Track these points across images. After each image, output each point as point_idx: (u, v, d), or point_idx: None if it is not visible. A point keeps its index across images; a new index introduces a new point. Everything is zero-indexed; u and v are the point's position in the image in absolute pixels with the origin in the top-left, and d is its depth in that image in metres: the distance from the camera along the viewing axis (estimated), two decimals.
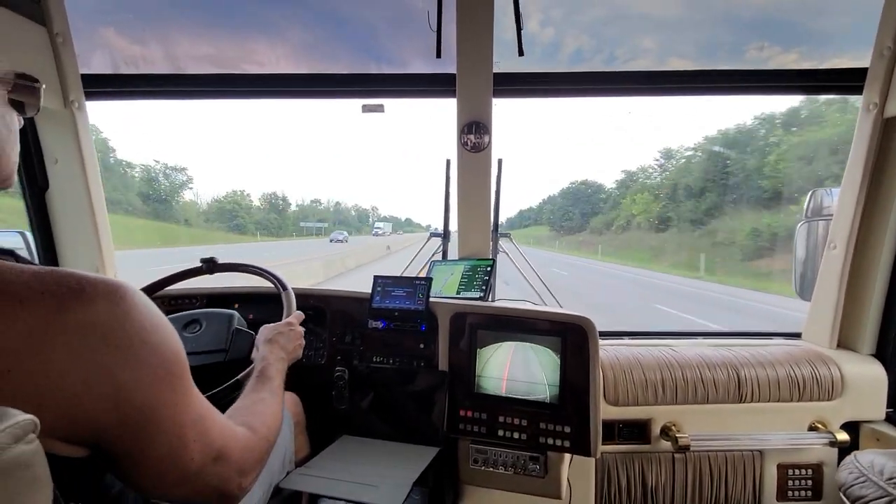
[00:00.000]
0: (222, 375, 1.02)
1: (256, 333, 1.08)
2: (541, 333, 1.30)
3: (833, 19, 2.02)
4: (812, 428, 1.53)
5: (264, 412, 0.76)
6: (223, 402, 0.81)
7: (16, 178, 0.67)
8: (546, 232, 57.12)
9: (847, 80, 1.63)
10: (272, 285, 1.29)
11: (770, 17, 2.09)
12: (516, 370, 1.31)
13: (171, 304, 1.54)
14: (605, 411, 1.51)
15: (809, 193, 1.85)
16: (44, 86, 0.68)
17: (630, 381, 1.51)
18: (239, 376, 0.99)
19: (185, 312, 1.29)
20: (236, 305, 1.58)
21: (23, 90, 0.64)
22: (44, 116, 1.50)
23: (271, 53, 1.68)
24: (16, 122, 0.65)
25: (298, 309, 1.20)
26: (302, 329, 1.09)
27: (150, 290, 1.33)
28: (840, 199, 1.57)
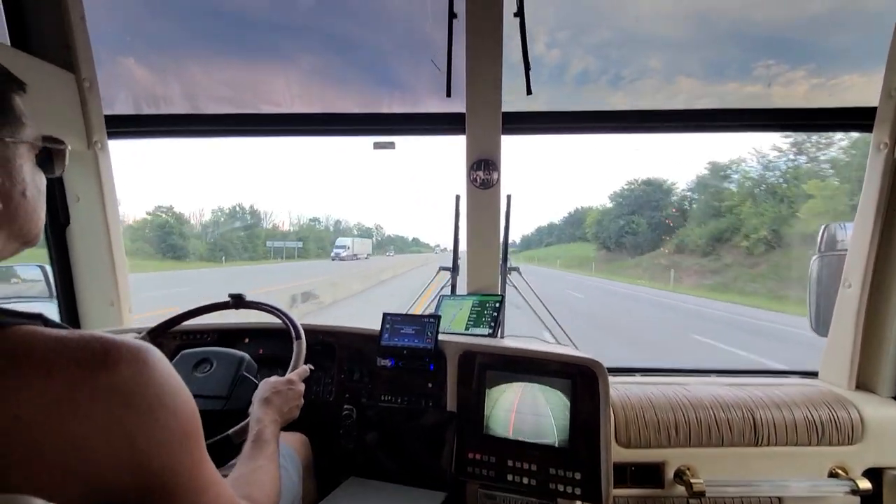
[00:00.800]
0: (218, 424, 1.02)
1: (265, 370, 1.09)
2: (550, 375, 1.29)
3: (840, 38, 2.04)
4: (832, 474, 1.48)
5: (263, 481, 0.77)
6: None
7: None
8: (591, 252, 43.90)
9: (856, 119, 1.64)
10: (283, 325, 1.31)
11: (777, 36, 2.11)
12: (525, 412, 1.30)
13: (183, 338, 1.56)
14: (617, 453, 1.48)
15: (822, 227, 1.84)
16: (69, 147, 0.71)
17: (642, 421, 1.48)
18: (230, 431, 0.99)
19: (198, 349, 1.30)
20: (247, 340, 1.60)
21: (50, 152, 0.67)
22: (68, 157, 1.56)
23: (287, 93, 1.74)
24: (44, 181, 0.67)
25: (308, 344, 1.21)
26: (302, 387, 1.09)
27: (174, 321, 1.36)
28: (853, 238, 1.56)
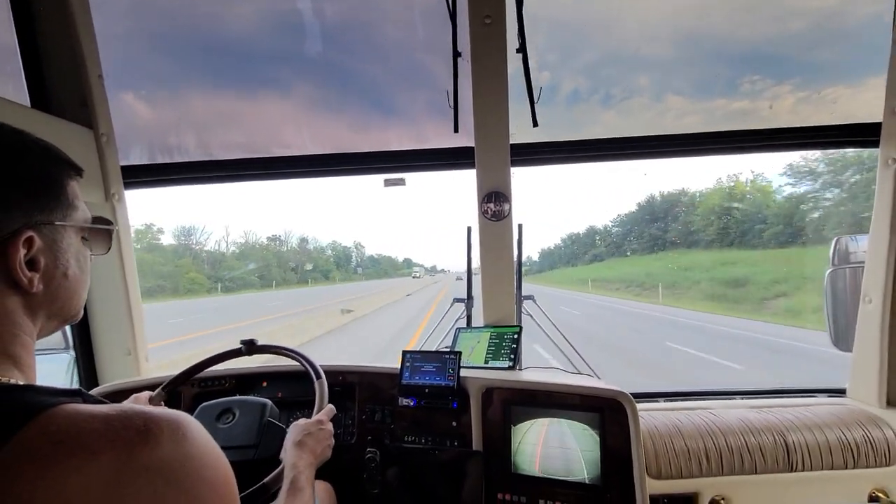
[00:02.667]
0: (251, 474, 1.00)
1: (285, 413, 1.07)
2: (577, 409, 1.27)
3: (823, 52, 2.09)
4: (872, 498, 1.44)
5: None
6: None
7: None
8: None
9: (862, 135, 1.66)
10: (302, 367, 1.30)
11: (762, 53, 2.17)
12: (552, 448, 1.27)
13: (201, 386, 1.55)
14: (648, 485, 1.44)
15: (833, 241, 1.84)
16: (116, 227, 0.73)
17: (671, 451, 1.45)
18: (266, 480, 0.97)
19: (219, 400, 1.29)
20: (264, 384, 1.59)
21: (97, 233, 0.68)
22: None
23: (298, 136, 1.78)
24: (88, 260, 0.68)
25: (327, 385, 1.20)
26: (331, 427, 1.09)
27: (190, 373, 1.34)
28: (869, 253, 1.56)
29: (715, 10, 1.99)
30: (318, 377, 1.23)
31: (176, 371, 1.36)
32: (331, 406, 1.15)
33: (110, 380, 1.66)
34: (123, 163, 1.64)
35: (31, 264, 0.56)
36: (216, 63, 1.90)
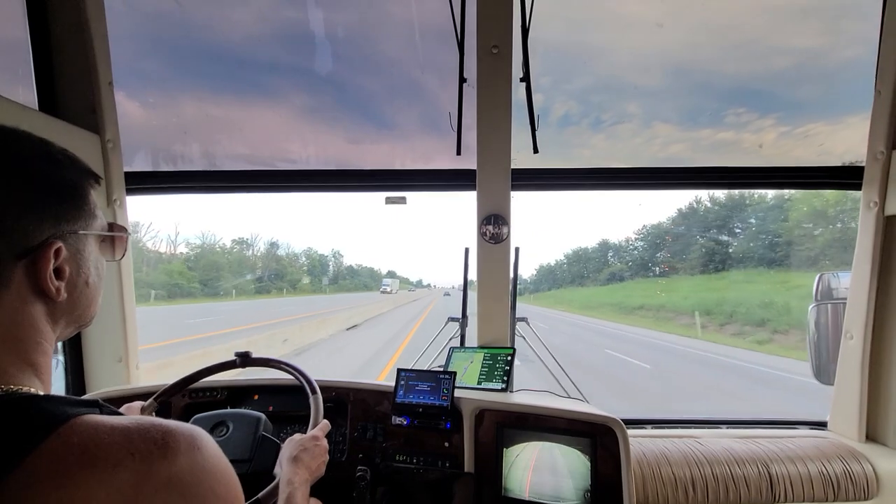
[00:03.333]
0: (245, 488, 0.99)
1: (276, 427, 1.07)
2: (569, 433, 1.29)
3: (804, 90, 2.20)
4: None
5: None
6: None
7: None
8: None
9: (845, 178, 1.73)
10: (295, 380, 1.29)
11: (747, 87, 2.28)
12: (542, 472, 1.29)
13: (191, 397, 1.53)
14: None
15: (817, 278, 1.90)
16: (130, 234, 0.74)
17: (659, 478, 1.47)
18: (260, 495, 0.97)
19: (213, 413, 1.28)
20: (256, 397, 1.58)
21: (112, 238, 0.69)
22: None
23: (303, 151, 1.81)
24: (104, 267, 0.69)
25: None
26: (326, 443, 1.09)
27: (183, 384, 1.33)
28: (851, 291, 1.62)
29: (705, 45, 2.08)
30: (314, 392, 1.22)
31: (166, 381, 1.34)
32: (326, 422, 1.15)
33: (99, 387, 1.63)
34: (126, 168, 1.64)
35: (57, 273, 0.57)
36: (222, 73, 1.92)
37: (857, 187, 1.62)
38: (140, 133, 1.80)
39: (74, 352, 1.65)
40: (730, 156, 1.91)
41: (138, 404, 1.27)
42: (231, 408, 1.49)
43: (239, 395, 1.57)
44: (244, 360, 1.34)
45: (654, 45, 2.06)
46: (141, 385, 1.62)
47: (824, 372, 1.79)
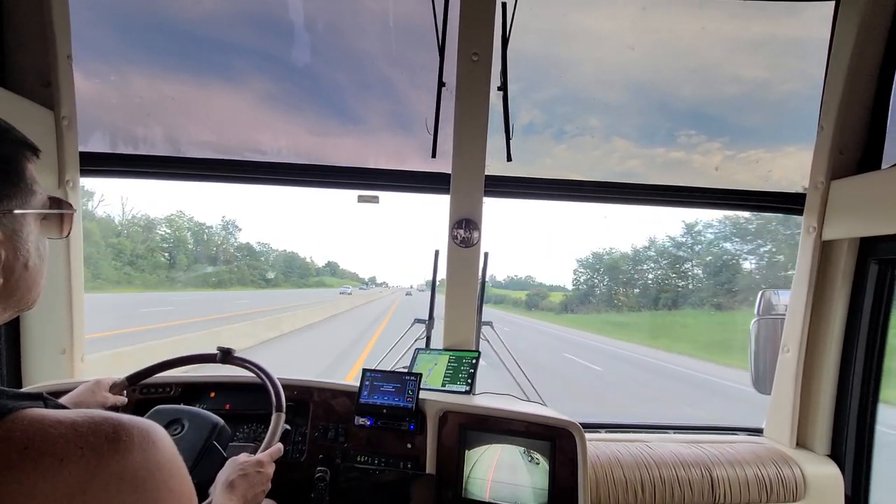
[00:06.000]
0: None
1: (230, 425, 1.02)
2: (530, 437, 1.32)
3: (749, 118, 2.37)
4: None
5: None
6: None
7: None
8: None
9: (789, 203, 1.88)
10: (256, 378, 1.26)
11: (699, 111, 2.42)
12: (503, 473, 1.31)
13: (143, 392, 1.46)
14: None
15: (759, 294, 2.04)
16: (76, 211, 0.70)
17: (611, 481, 1.53)
18: None
19: (174, 407, 1.23)
20: (213, 394, 1.52)
21: (56, 217, 0.65)
22: None
23: (274, 143, 1.76)
24: (47, 247, 0.65)
25: None
26: (271, 471, 1.02)
27: (157, 368, 1.27)
28: (790, 308, 1.75)
29: (665, 66, 2.20)
30: (279, 410, 1.16)
31: (113, 374, 1.27)
32: (280, 446, 1.08)
33: (38, 380, 1.52)
34: (81, 148, 1.54)
35: None
36: (177, 50, 1.83)
37: (799, 212, 1.76)
38: (96, 111, 1.70)
39: (11, 341, 1.52)
40: (681, 175, 2.02)
41: (109, 379, 1.20)
42: (185, 405, 1.43)
43: (194, 392, 1.51)
44: (225, 356, 1.28)
45: (618, 62, 2.15)
46: (85, 379, 1.53)
47: (762, 382, 1.92)
